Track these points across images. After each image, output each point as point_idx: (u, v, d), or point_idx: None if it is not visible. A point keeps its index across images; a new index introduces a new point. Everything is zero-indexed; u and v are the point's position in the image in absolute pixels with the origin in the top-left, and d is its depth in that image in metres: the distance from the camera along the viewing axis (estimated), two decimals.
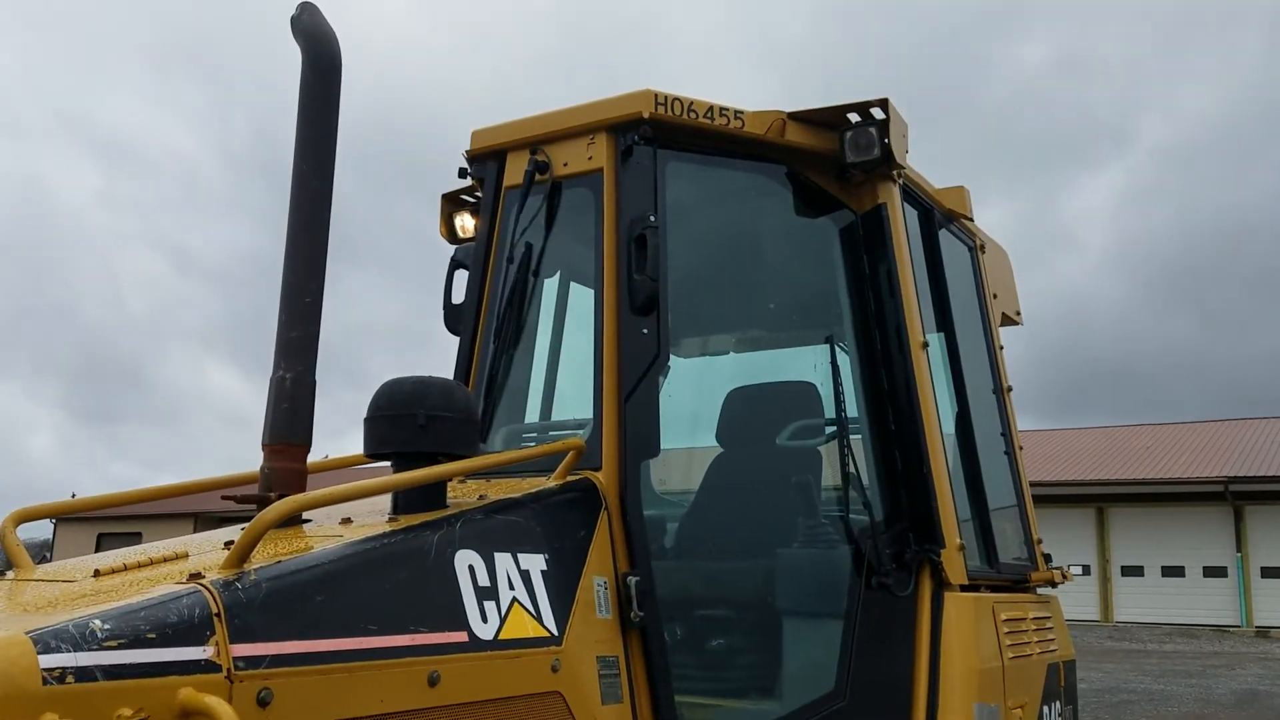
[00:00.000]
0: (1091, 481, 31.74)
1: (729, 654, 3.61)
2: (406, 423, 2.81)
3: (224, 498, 2.96)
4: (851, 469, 3.59)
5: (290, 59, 2.99)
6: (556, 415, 3.82)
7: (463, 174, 3.97)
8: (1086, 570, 32.06)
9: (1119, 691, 16.70)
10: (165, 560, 2.37)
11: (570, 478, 3.25)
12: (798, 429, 4.11)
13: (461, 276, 3.96)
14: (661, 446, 3.40)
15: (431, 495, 2.89)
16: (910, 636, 3.60)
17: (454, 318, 3.91)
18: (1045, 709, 4.17)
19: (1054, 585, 4.53)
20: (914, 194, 4.30)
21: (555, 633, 2.78)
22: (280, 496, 2.85)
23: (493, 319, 3.71)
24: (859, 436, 3.81)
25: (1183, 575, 31.04)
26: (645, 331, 3.37)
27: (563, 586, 2.90)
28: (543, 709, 2.69)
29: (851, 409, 3.87)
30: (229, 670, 1.97)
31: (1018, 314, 5.41)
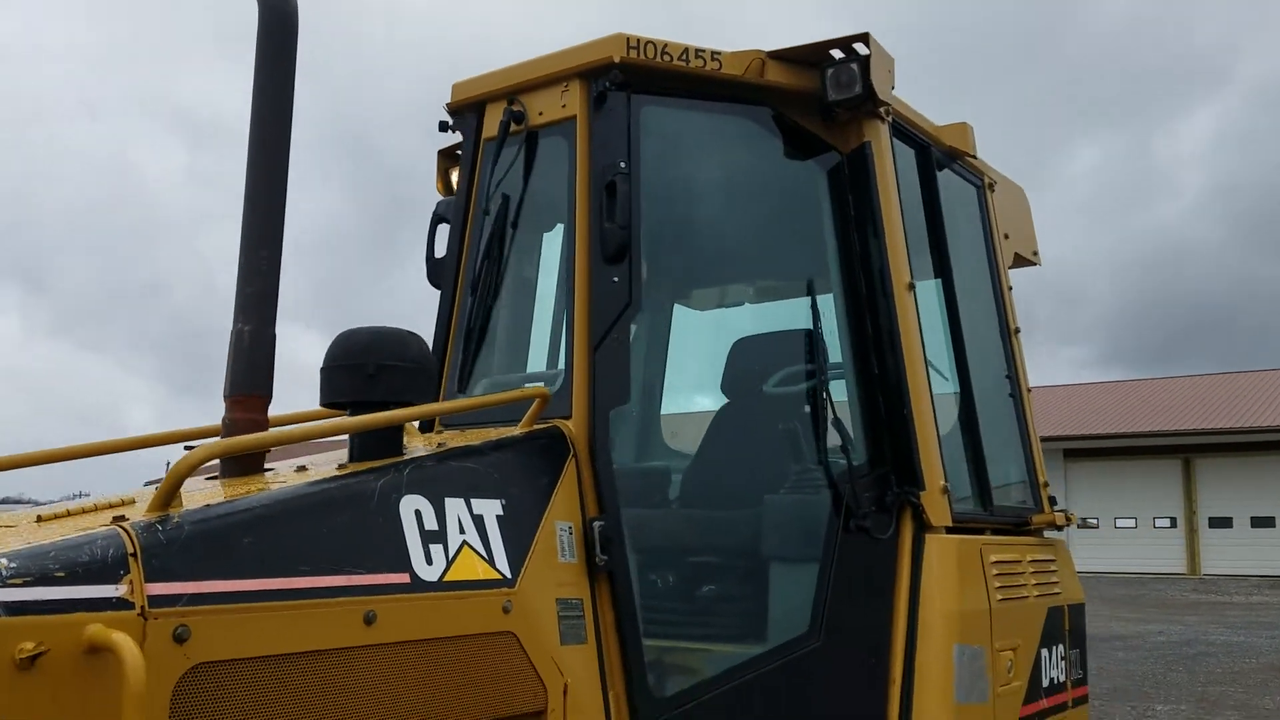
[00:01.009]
0: (1177, 432, 31.02)
1: (702, 599, 3.65)
2: (358, 373, 2.88)
3: (186, 449, 3.06)
4: (832, 413, 3.59)
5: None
6: (534, 366, 3.87)
7: (444, 127, 4.02)
8: (1173, 523, 31.46)
9: (1197, 644, 16.43)
10: (110, 507, 2.48)
11: (538, 426, 3.30)
12: (786, 376, 4.10)
13: (444, 232, 4.01)
14: (689, 407, 3.45)
15: (387, 444, 2.96)
16: (891, 579, 3.60)
17: (436, 272, 3.97)
18: (1044, 651, 4.14)
19: (1058, 529, 4.47)
20: (907, 132, 4.24)
21: (508, 575, 2.85)
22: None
23: (470, 272, 3.77)
24: (843, 381, 3.80)
25: (1273, 526, 30.27)
26: (616, 280, 3.39)
27: (520, 531, 2.96)
28: (494, 648, 2.77)
29: (838, 353, 3.86)
30: (143, 608, 2.05)
31: (1035, 254, 5.31)
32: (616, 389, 3.40)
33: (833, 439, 3.60)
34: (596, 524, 3.17)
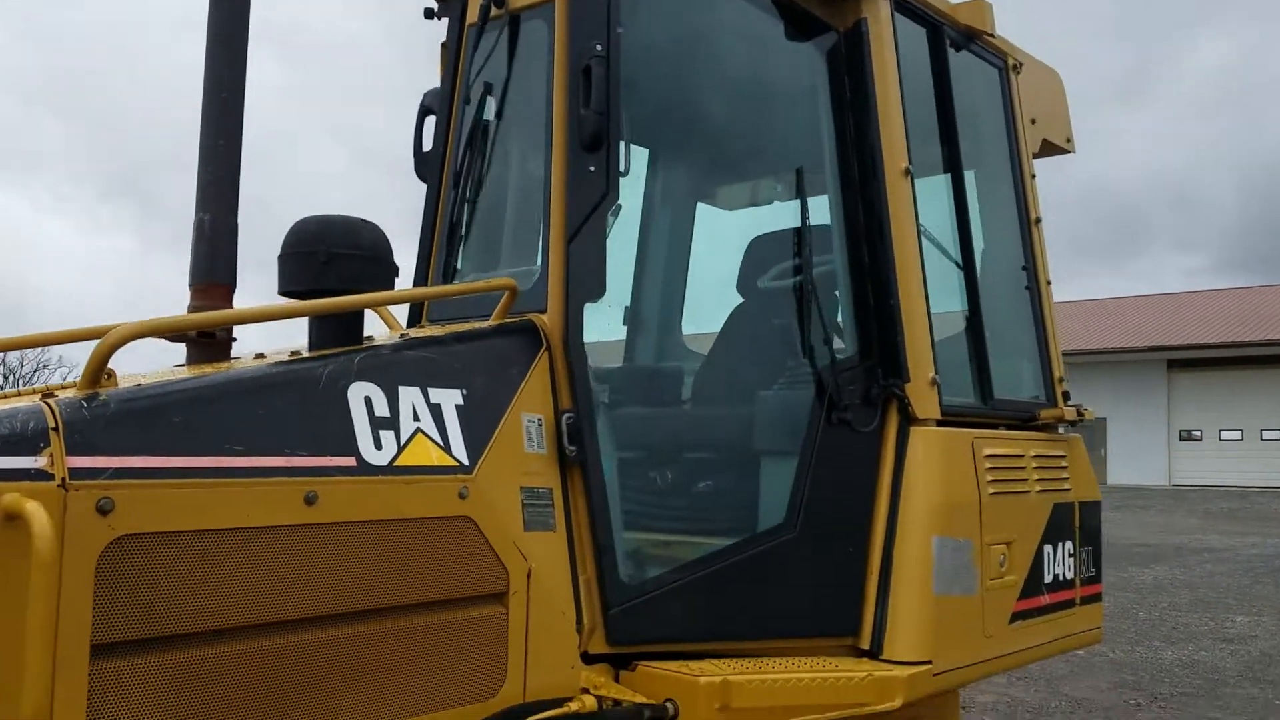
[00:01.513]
0: None
1: (680, 492, 3.68)
2: (309, 260, 2.93)
3: (156, 336, 3.15)
4: (817, 306, 3.55)
5: None
6: (520, 261, 3.89)
7: (429, 14, 3.99)
8: None
9: None
10: (59, 390, 2.58)
11: (511, 319, 3.33)
12: (779, 271, 4.06)
13: (431, 123, 4.02)
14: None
15: (345, 333, 3.02)
16: (873, 472, 3.58)
17: (423, 165, 3.99)
18: (1048, 548, 4.09)
19: (1070, 424, 4.37)
20: (915, 9, 4.10)
21: (465, 462, 2.90)
22: (204, 336, 3.04)
23: (454, 164, 3.78)
24: (833, 271, 3.75)
25: None
26: (593, 169, 3.36)
27: (482, 421, 3.01)
28: (450, 532, 2.83)
29: (833, 245, 3.80)
30: (63, 480, 2.14)
31: (1068, 140, 5.11)
32: (591, 282, 3.40)
33: (820, 333, 3.57)
34: (565, 416, 3.20)
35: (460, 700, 2.85)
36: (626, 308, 5.28)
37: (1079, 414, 4.28)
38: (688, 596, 3.32)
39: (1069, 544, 4.25)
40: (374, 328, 3.70)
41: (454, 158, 3.79)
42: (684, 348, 5.11)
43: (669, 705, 3.14)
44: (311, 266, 2.93)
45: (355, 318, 3.05)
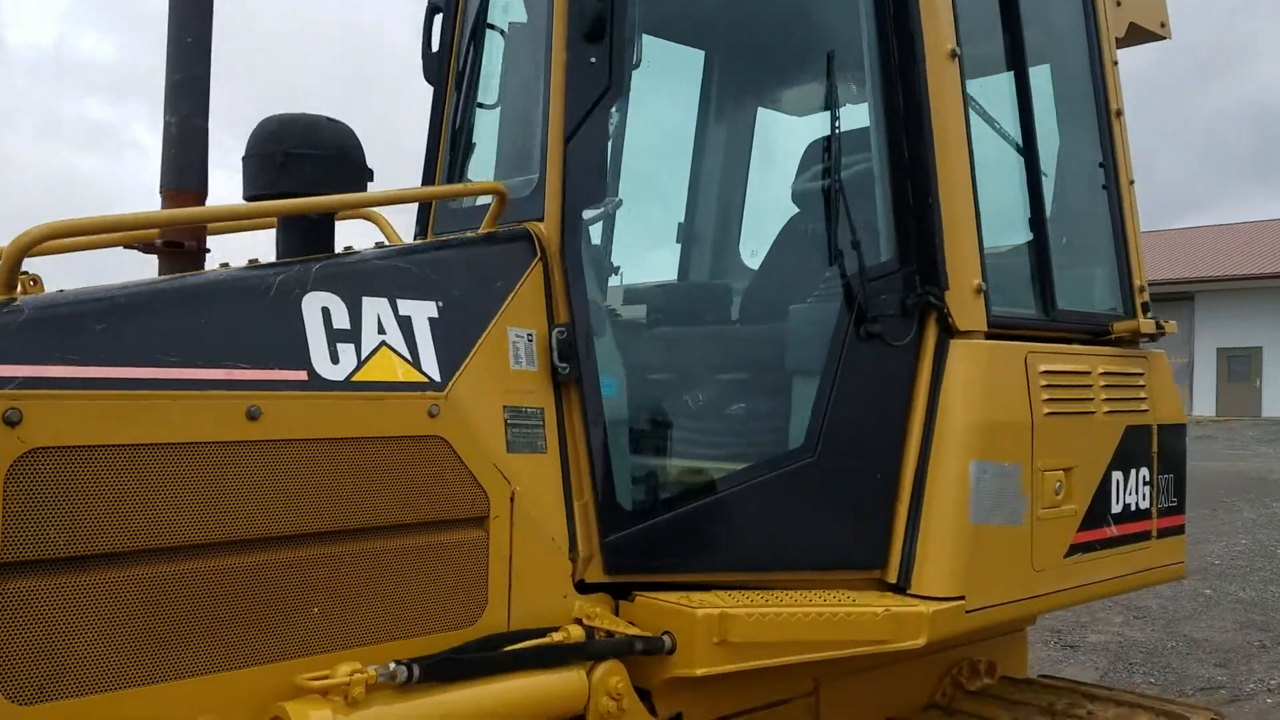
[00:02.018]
0: None
1: (689, 414, 3.45)
2: (267, 162, 2.78)
3: (125, 247, 3.06)
4: (846, 208, 3.25)
5: None
6: (520, 168, 3.67)
7: None
8: None
9: None
10: None
11: (506, 227, 3.13)
12: (817, 171, 3.76)
13: (439, 23, 3.81)
14: None
15: (314, 241, 2.87)
16: (908, 390, 3.28)
17: (431, 67, 3.79)
18: (1117, 474, 3.73)
19: (1150, 338, 3.97)
20: None
21: (436, 379, 2.73)
22: (170, 245, 2.93)
23: (459, 65, 3.58)
24: (870, 170, 3.44)
25: None
26: (594, 60, 3.12)
27: (459, 335, 2.83)
28: (418, 452, 2.68)
29: (871, 140, 3.49)
30: None
31: (1162, 25, 4.62)
32: (591, 185, 3.17)
33: (851, 238, 3.27)
34: (557, 331, 3.00)
35: (436, 627, 2.72)
36: (680, 224, 5.04)
37: (1158, 327, 3.88)
38: (692, 525, 3.11)
39: (1145, 471, 3.89)
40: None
41: (458, 58, 3.59)
42: (742, 266, 4.85)
43: (666, 638, 2.96)
44: (269, 169, 2.78)
45: (321, 225, 2.89)
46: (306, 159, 2.77)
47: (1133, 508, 3.82)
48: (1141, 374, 3.91)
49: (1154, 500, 3.94)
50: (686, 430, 3.40)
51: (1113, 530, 3.71)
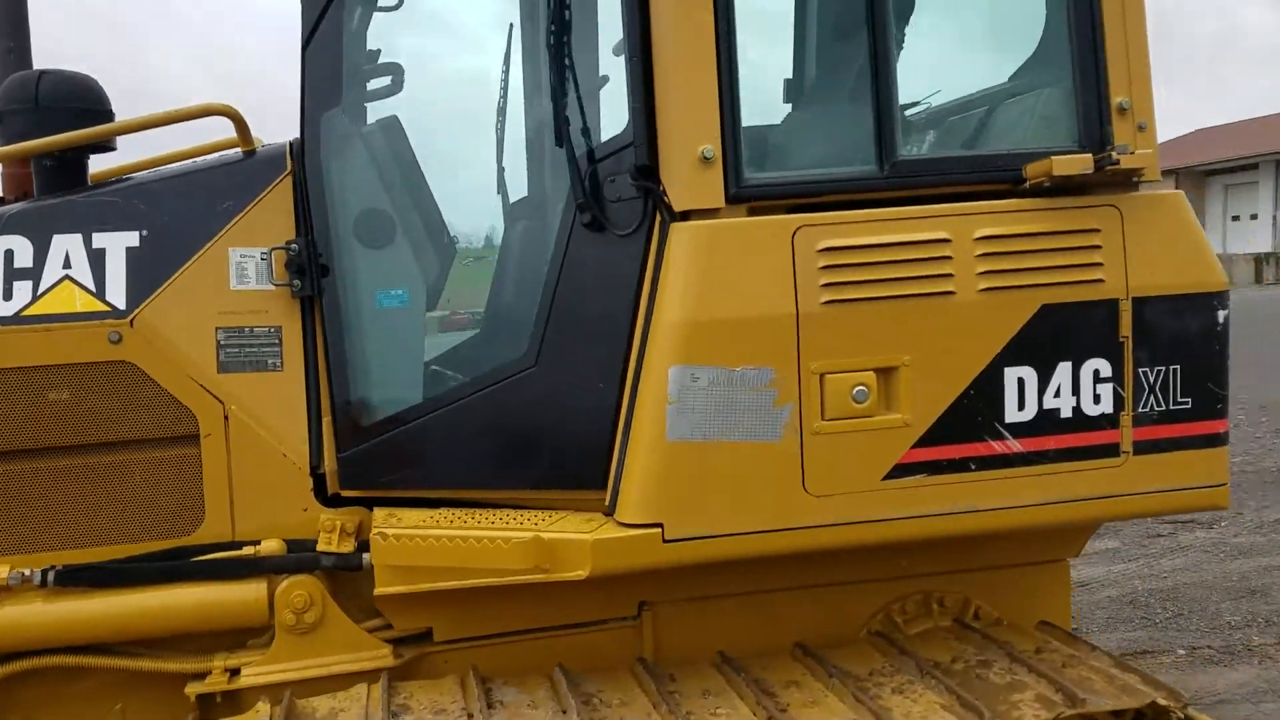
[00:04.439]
0: None
1: (430, 328, 3.38)
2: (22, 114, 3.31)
3: None
4: (573, 78, 2.98)
5: None
6: None
7: None
8: None
9: None
10: None
11: (266, 146, 3.40)
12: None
13: None
14: None
15: (68, 180, 3.36)
16: (635, 286, 2.95)
17: None
18: (1021, 370, 2.93)
19: (1111, 181, 2.96)
20: None
21: (121, 307, 3.15)
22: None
23: None
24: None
25: None
26: None
27: (162, 260, 3.20)
28: (102, 376, 3.13)
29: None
30: None
31: None
32: (328, 91, 3.29)
33: (578, 116, 3.00)
34: (290, 247, 3.22)
35: (145, 535, 3.18)
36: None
37: (1100, 163, 2.89)
38: (418, 441, 3.17)
39: (1100, 364, 2.99)
40: None
41: None
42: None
43: (357, 557, 3.11)
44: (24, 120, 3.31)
45: (65, 165, 3.34)
46: (15, 114, 3.27)
47: (1065, 414, 2.98)
48: (1094, 230, 2.98)
49: (1130, 403, 3.02)
50: (428, 347, 3.38)
51: (1009, 445, 2.96)
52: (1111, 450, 3.01)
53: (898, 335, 2.88)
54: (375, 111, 3.66)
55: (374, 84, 3.66)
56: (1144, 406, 3.02)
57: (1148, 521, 8.73)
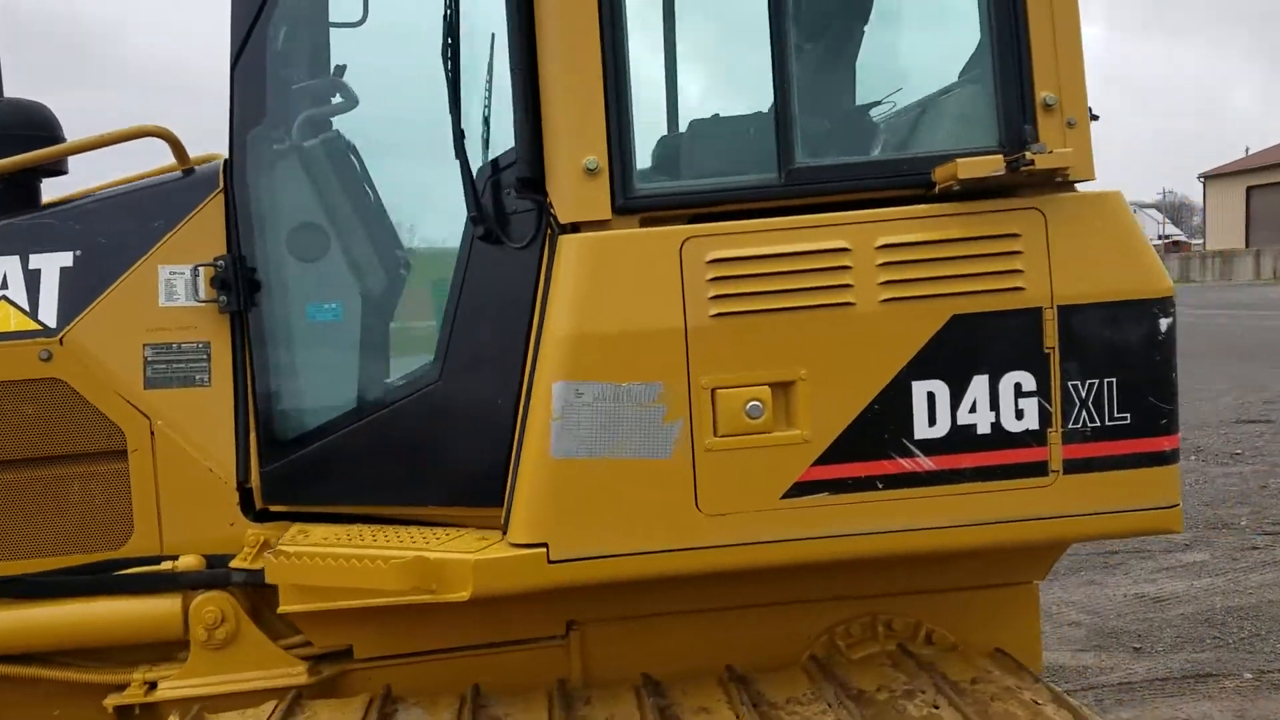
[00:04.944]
0: None
1: (350, 342, 3.37)
2: None
3: None
4: (455, 88, 2.98)
5: None
6: None
7: None
8: None
9: None
10: None
11: (202, 165, 3.48)
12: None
13: None
14: None
15: (18, 203, 3.50)
16: (531, 299, 2.92)
17: None
18: (930, 384, 2.79)
19: (1029, 182, 2.79)
20: None
21: (51, 325, 3.26)
22: None
23: None
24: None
25: None
26: None
27: (94, 280, 3.31)
28: (33, 393, 3.25)
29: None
30: None
31: None
32: (252, 108, 3.34)
33: (481, 126, 3.00)
34: (217, 263, 3.29)
35: (75, 549, 3.29)
36: None
37: (1013, 164, 2.73)
38: (337, 457, 3.19)
39: (1024, 376, 2.83)
40: None
41: None
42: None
43: (263, 573, 3.15)
44: None
45: (15, 188, 3.47)
46: (7, 137, 3.40)
47: (983, 430, 2.83)
48: (1013, 235, 2.82)
49: (1059, 418, 2.85)
50: (348, 361, 3.38)
51: (919, 463, 2.82)
52: (1039, 469, 2.85)
53: (793, 348, 2.78)
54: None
55: (333, 99, 3.69)
56: (1075, 422, 2.85)
57: (1244, 532, 8.30)
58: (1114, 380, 2.83)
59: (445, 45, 2.94)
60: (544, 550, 2.77)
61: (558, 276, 2.81)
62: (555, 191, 2.82)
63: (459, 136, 2.94)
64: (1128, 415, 2.84)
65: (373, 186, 3.63)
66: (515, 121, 2.82)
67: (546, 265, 2.86)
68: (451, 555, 2.83)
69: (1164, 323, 2.84)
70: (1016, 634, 3.35)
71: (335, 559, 2.93)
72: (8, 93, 3.65)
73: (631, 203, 2.81)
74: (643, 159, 3.05)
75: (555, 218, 2.83)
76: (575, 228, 2.83)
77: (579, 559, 2.77)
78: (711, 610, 3.28)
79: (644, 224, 2.84)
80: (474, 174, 2.95)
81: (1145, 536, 3.33)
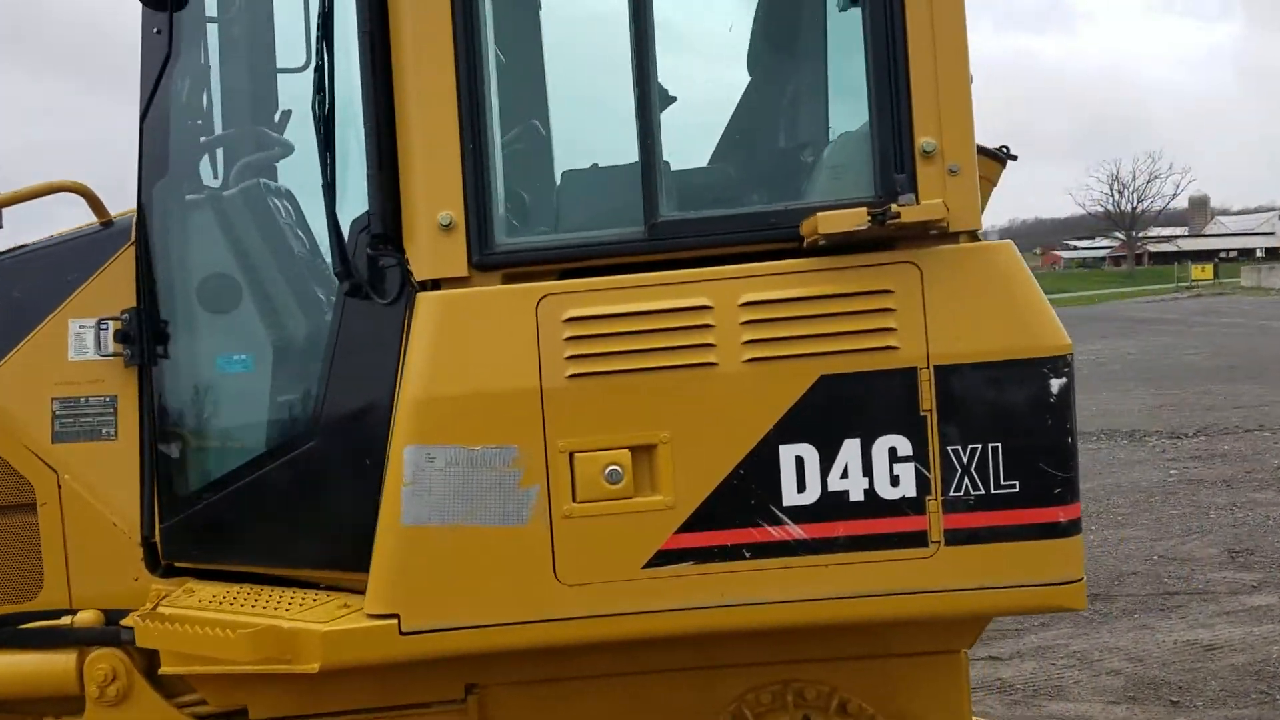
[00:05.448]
0: None
1: (245, 399, 3.37)
2: None
3: None
4: (329, 148, 2.97)
5: None
6: None
7: None
8: None
9: None
10: None
11: (120, 216, 3.54)
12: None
13: None
14: None
15: None
16: (396, 357, 2.89)
17: None
18: (800, 448, 2.67)
19: (930, 234, 2.65)
20: None
21: None
22: None
23: None
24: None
25: None
26: (157, 31, 3.33)
27: (7, 334, 3.39)
28: None
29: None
30: None
31: None
32: (160, 162, 3.37)
33: (342, 183, 2.98)
34: (122, 317, 3.34)
35: None
36: None
37: (879, 217, 2.60)
38: (227, 516, 3.20)
39: (899, 440, 2.69)
40: None
41: None
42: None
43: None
44: None
45: None
46: None
47: (855, 497, 2.70)
48: (885, 292, 2.69)
49: (938, 486, 2.70)
50: (253, 414, 3.37)
51: (789, 531, 2.70)
52: (918, 539, 2.71)
53: (654, 410, 2.70)
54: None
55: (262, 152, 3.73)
56: (957, 490, 2.70)
57: None
58: (999, 445, 2.68)
59: (315, 96, 2.92)
60: (395, 621, 2.73)
61: (413, 335, 2.77)
62: (411, 248, 2.79)
63: (329, 187, 2.91)
64: (1015, 483, 2.68)
65: (308, 231, 3.63)
66: (368, 176, 2.79)
67: (407, 323, 2.82)
68: (304, 625, 2.80)
69: (1056, 383, 2.68)
70: (941, 705, 3.19)
71: (196, 624, 2.92)
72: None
73: (489, 259, 2.76)
74: (518, 212, 3.00)
75: (412, 276, 2.78)
76: (436, 285, 2.79)
77: (432, 630, 2.72)
78: (618, 675, 3.19)
79: (508, 280, 2.78)
80: (343, 228, 2.91)
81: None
